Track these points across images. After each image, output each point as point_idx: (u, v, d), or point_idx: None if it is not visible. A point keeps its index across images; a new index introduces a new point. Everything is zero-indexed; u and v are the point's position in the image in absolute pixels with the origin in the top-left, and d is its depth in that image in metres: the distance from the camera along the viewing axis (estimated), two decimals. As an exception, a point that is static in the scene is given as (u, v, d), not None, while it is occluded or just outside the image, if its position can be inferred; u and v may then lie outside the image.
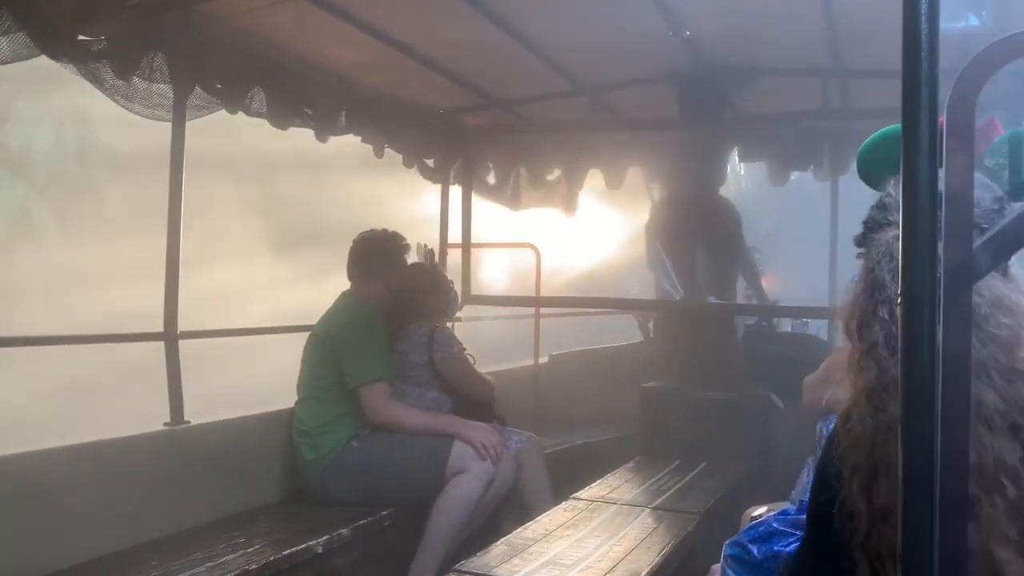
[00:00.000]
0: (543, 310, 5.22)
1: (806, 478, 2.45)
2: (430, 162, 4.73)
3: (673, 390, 4.22)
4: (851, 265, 1.26)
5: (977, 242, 0.76)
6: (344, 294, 3.56)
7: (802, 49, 3.59)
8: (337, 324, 3.37)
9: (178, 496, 2.85)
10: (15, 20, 2.43)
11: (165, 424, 2.97)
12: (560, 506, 3.12)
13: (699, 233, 4.56)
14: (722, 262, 4.59)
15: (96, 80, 2.82)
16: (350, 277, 3.59)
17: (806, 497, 2.08)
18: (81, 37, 2.70)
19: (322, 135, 3.86)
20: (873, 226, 1.19)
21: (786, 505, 2.55)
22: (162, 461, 2.84)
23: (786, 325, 5.24)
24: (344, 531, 2.90)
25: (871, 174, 1.29)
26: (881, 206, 1.21)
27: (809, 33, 3.36)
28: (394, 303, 3.60)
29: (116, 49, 2.77)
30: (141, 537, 2.68)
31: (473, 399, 3.69)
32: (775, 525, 1.86)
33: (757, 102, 4.30)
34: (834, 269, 5.03)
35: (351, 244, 3.61)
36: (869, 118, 3.92)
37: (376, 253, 3.58)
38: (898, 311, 1.04)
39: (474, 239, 4.88)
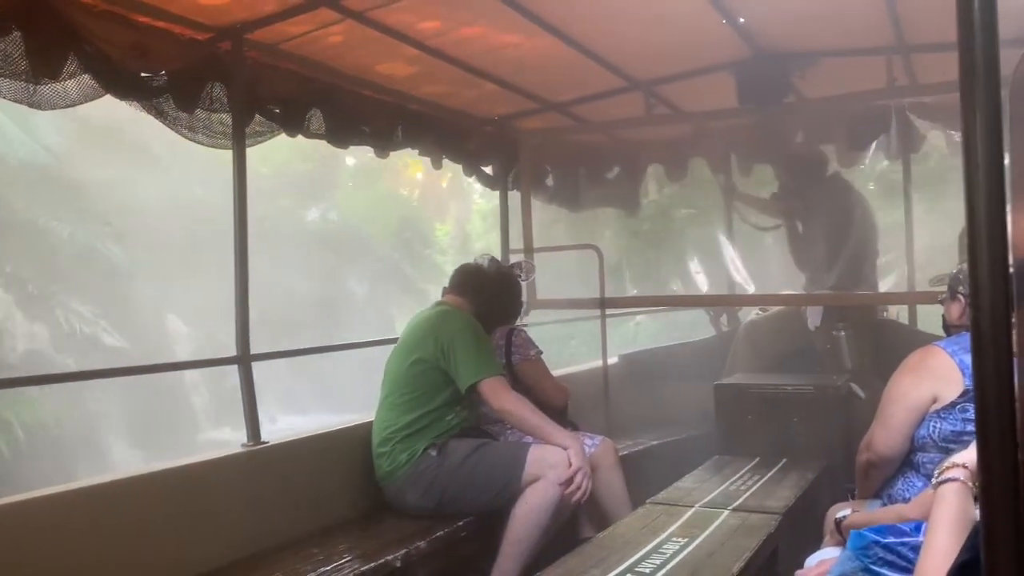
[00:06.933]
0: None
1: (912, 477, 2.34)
2: (488, 170, 4.74)
3: (749, 385, 4.11)
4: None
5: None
6: (440, 305, 3.57)
7: (861, 28, 3.46)
8: (447, 332, 3.34)
9: (257, 516, 2.90)
10: (80, 64, 2.53)
11: (243, 445, 3.04)
12: (637, 510, 3.07)
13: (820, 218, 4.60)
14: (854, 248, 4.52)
15: (160, 114, 2.91)
16: (451, 293, 3.63)
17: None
18: (143, 74, 2.80)
19: (381, 152, 3.90)
20: None
21: (875, 503, 2.44)
22: (241, 482, 2.89)
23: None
24: (421, 544, 2.91)
25: None
26: None
27: (866, 10, 3.23)
28: (479, 312, 3.61)
29: (176, 83, 2.86)
30: (222, 559, 2.73)
31: (547, 404, 3.66)
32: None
33: (819, 85, 4.17)
34: (910, 250, 4.82)
35: (457, 268, 3.72)
36: (938, 93, 3.77)
37: (478, 277, 3.67)
38: None
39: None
